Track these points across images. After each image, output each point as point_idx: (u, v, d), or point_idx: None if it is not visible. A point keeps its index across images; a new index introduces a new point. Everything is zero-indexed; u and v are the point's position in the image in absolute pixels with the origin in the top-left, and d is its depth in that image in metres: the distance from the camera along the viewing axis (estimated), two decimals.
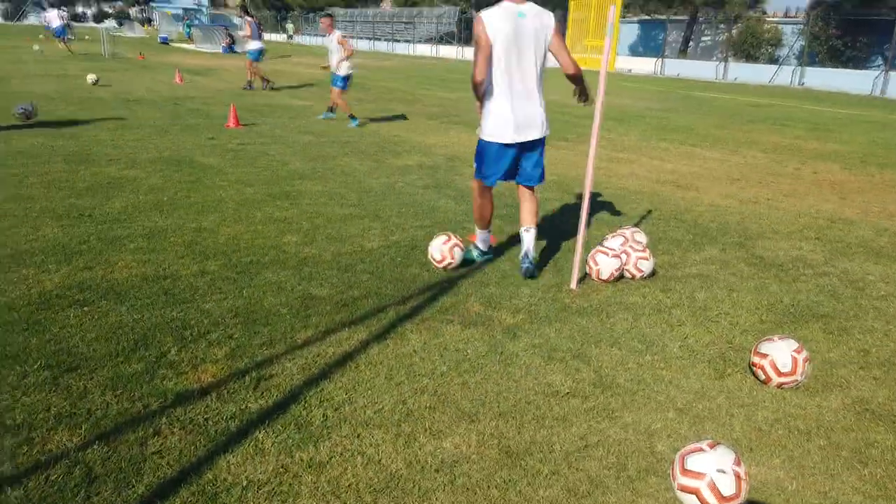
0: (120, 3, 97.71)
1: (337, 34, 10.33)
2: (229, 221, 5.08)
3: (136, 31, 54.40)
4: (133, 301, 3.53)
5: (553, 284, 4.16)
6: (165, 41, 40.79)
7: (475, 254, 4.55)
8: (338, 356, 3.10)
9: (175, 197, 5.67)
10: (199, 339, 3.16)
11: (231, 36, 37.07)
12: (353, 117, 10.73)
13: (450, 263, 4.27)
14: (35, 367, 2.81)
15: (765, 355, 3.07)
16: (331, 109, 11.06)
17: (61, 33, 28.55)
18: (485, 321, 3.58)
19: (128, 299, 3.55)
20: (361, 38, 58.90)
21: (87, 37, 38.70)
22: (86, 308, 3.41)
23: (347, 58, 10.29)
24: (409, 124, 11.19)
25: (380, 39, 56.67)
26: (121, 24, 61.14)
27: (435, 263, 4.31)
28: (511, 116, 3.95)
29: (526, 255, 4.24)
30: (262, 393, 2.74)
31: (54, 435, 2.37)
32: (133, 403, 2.60)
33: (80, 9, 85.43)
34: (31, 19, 69.20)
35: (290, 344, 3.19)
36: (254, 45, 15.82)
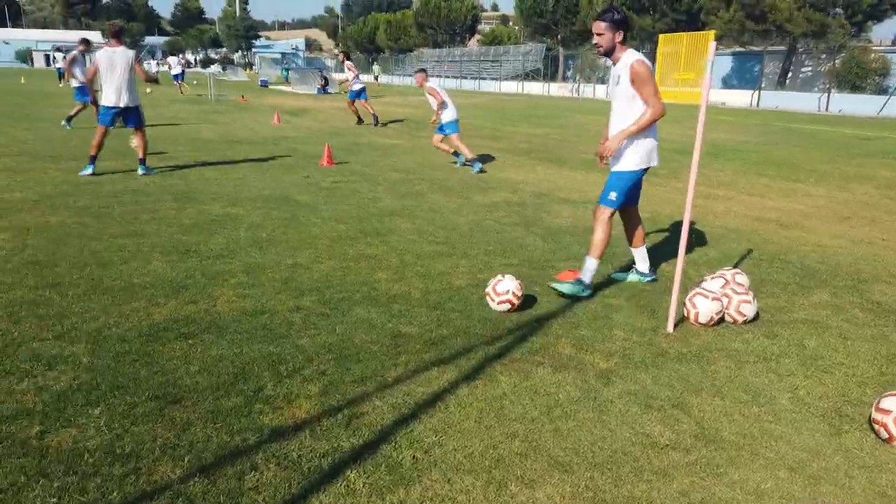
0: (224, 50, 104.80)
1: (427, 86, 10.23)
2: (323, 258, 5.23)
3: (239, 76, 57.99)
4: (233, 335, 3.67)
5: (648, 328, 4.01)
6: (265, 84, 43.20)
7: (578, 289, 4.45)
8: (427, 396, 3.09)
9: (273, 234, 5.91)
10: (293, 375, 3.23)
11: (325, 78, 38.84)
12: (475, 161, 10.16)
13: (510, 308, 4.16)
14: (143, 397, 2.95)
15: (888, 411, 2.81)
16: (455, 153, 10.61)
17: (179, 77, 31.84)
18: (577, 364, 3.48)
19: (228, 333, 3.70)
20: (448, 76, 60.37)
21: (195, 81, 41.59)
22: (190, 341, 3.57)
23: (440, 106, 10.08)
24: (496, 161, 11.26)
25: (466, 78, 57.80)
26: (225, 69, 65.35)
27: (497, 294, 4.14)
28: (656, 144, 4.40)
29: (652, 269, 4.91)
30: (354, 431, 2.76)
31: (159, 466, 2.46)
32: (232, 437, 2.67)
33: (189, 55, 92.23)
34: (145, 66, 75.33)
35: (380, 382, 3.21)
36: (355, 85, 17.24)
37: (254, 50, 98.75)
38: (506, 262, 5.26)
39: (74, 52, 14.01)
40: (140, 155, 8.82)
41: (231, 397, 2.99)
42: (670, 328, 3.96)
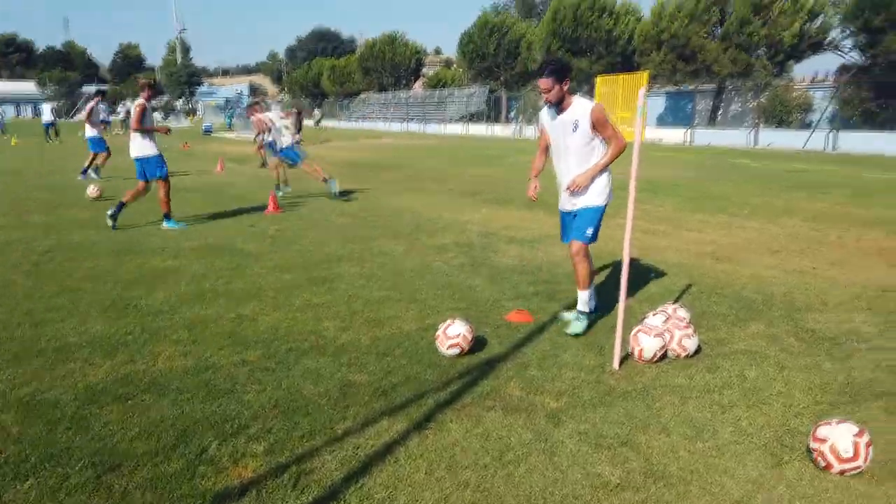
0: (166, 97, 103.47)
1: (255, 118, 11.96)
2: (268, 308, 5.15)
3: (182, 122, 57.25)
4: (174, 394, 3.55)
5: (595, 365, 4.06)
6: (209, 130, 42.73)
7: (584, 322, 4.65)
8: (377, 448, 3.04)
9: (216, 285, 5.79)
10: (238, 434, 3.14)
11: None
12: (281, 185, 12.04)
13: (461, 351, 4.16)
14: (77, 467, 2.81)
15: (824, 440, 2.91)
16: (285, 183, 12.18)
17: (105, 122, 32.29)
18: (527, 406, 3.50)
19: (169, 392, 3.58)
20: (395, 119, 61.03)
21: None
22: (129, 402, 3.44)
23: (262, 132, 11.98)
24: (443, 202, 11.36)
25: (412, 120, 58.55)
26: (167, 117, 64.43)
27: (448, 337, 4.14)
28: (612, 179, 4.59)
29: (597, 305, 4.96)
30: (302, 490, 2.69)
31: None
32: None
33: (129, 103, 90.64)
34: (83, 115, 73.73)
35: (329, 436, 3.15)
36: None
37: (196, 97, 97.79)
38: (454, 305, 5.27)
39: (92, 104, 14.65)
40: (163, 208, 8.70)
41: (172, 461, 2.88)
42: (616, 365, 4.03)
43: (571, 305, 5.17)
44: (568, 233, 4.77)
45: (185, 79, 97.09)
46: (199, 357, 4.10)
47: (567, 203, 4.67)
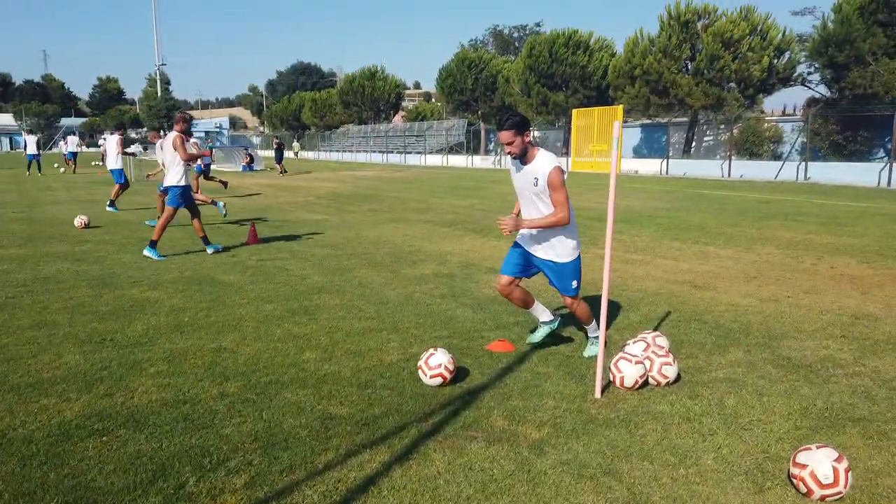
0: (144, 130, 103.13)
1: (159, 143, 10.55)
2: (249, 340, 5.10)
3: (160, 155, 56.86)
4: (152, 428, 3.49)
5: (577, 394, 4.07)
6: None
7: (594, 345, 4.77)
8: (359, 481, 3.01)
9: (195, 317, 5.73)
10: (218, 468, 3.09)
11: (250, 155, 38.67)
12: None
13: (443, 382, 4.16)
14: None
15: (804, 466, 2.94)
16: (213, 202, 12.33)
17: (72, 156, 33.85)
18: (510, 437, 3.49)
19: (147, 427, 3.51)
20: (375, 151, 61.44)
21: None
22: (105, 438, 3.37)
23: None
24: (424, 233, 11.41)
25: (392, 152, 58.96)
26: (146, 149, 64.08)
27: (430, 368, 4.13)
28: None
29: (554, 311, 5.01)
30: None
31: None
32: None
33: (106, 135, 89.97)
34: (61, 147, 73.22)
35: (310, 469, 3.11)
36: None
37: None
38: (436, 335, 5.27)
39: (118, 138, 15.44)
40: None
41: (149, 497, 2.82)
42: (598, 394, 4.04)
43: (534, 328, 5.11)
44: (511, 267, 4.74)
45: (164, 112, 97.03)
46: (178, 390, 4.04)
47: (532, 244, 4.69)
